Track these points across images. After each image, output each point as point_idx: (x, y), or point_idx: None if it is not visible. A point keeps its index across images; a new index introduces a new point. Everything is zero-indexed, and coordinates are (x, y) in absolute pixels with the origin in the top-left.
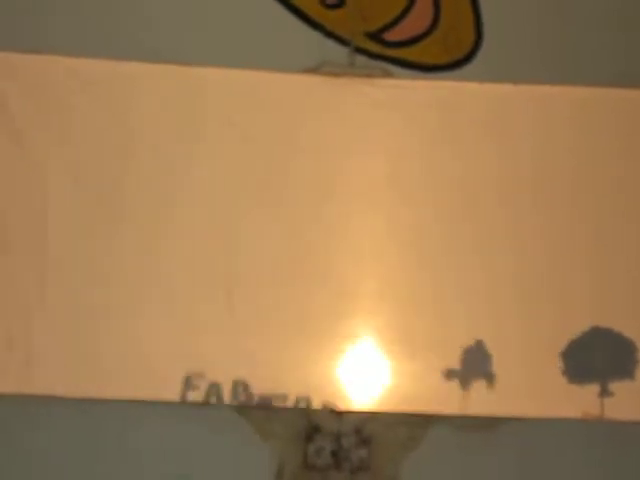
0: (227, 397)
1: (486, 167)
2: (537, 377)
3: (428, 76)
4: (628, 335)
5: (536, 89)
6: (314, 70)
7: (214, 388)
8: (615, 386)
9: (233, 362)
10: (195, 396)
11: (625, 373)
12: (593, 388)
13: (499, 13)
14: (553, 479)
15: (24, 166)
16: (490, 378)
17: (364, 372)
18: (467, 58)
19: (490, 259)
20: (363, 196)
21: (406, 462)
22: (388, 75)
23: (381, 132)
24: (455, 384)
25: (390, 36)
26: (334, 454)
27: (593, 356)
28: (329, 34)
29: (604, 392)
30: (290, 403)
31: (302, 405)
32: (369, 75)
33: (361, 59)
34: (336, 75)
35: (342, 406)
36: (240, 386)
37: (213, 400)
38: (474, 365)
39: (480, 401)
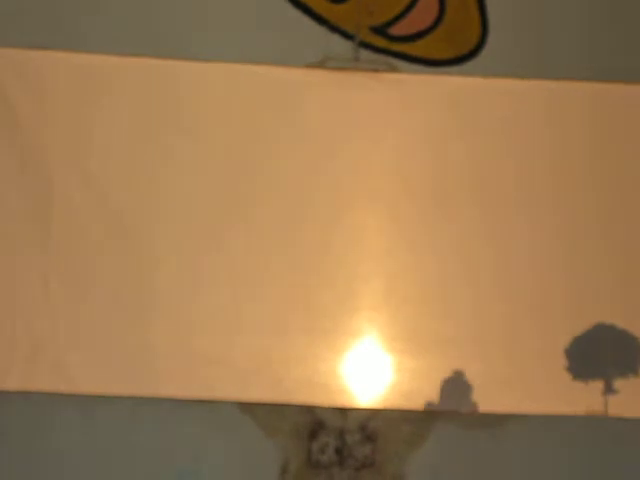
0: (232, 394)
1: (492, 161)
2: (542, 374)
3: (433, 71)
4: (632, 332)
5: (541, 84)
6: (319, 65)
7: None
8: (619, 383)
9: (239, 359)
10: (199, 393)
11: (629, 370)
12: (597, 385)
13: (504, 8)
14: (557, 475)
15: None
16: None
17: (369, 369)
18: (472, 53)
19: (499, 254)
20: (367, 190)
21: (411, 459)
22: (393, 70)
23: (386, 127)
24: (461, 382)
25: (395, 31)
26: (338, 451)
27: (597, 353)
28: (334, 28)
29: (608, 389)
30: (294, 400)
31: (306, 402)
32: (374, 70)
33: (366, 54)
34: (341, 70)
35: (346, 403)
36: (246, 382)
37: (218, 396)
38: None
39: (486, 397)
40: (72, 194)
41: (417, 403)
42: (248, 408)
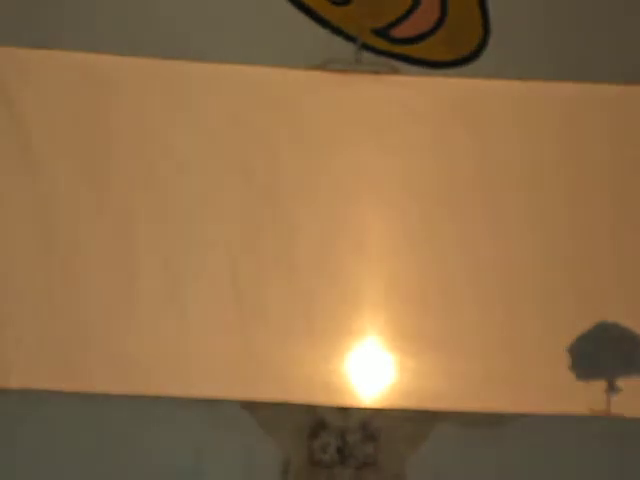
0: (233, 393)
1: (494, 162)
2: (544, 373)
3: (435, 73)
4: (635, 330)
5: (543, 85)
6: (321, 67)
7: (221, 383)
8: (622, 382)
9: (240, 359)
10: (200, 392)
11: (632, 368)
12: (600, 384)
13: (506, 10)
14: (559, 474)
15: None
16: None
17: (370, 368)
18: (474, 55)
19: (500, 253)
20: (369, 192)
21: (412, 458)
22: (395, 72)
23: (388, 129)
24: (462, 380)
25: (397, 33)
26: (339, 450)
27: (600, 352)
28: (336, 31)
29: (611, 388)
30: (296, 399)
31: (308, 401)
32: (376, 72)
33: (368, 56)
34: (343, 72)
35: (348, 402)
36: (247, 381)
37: (219, 395)
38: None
39: (488, 396)
40: (74, 193)
41: (418, 402)
42: (249, 407)
